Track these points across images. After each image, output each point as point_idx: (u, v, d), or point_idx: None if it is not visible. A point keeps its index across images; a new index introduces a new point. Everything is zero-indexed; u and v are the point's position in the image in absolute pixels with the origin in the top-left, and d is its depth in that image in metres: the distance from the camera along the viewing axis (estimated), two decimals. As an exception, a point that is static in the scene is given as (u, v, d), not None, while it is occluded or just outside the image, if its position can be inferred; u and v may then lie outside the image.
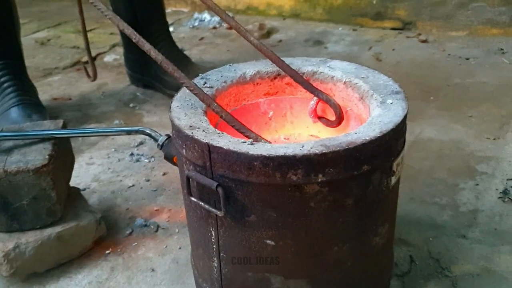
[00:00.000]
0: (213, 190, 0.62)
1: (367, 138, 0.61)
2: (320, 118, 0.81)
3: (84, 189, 1.13)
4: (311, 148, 0.59)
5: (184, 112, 0.70)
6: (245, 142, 0.62)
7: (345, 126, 0.79)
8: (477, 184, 1.08)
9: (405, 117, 0.67)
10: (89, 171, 1.21)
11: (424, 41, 1.89)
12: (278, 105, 0.85)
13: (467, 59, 1.73)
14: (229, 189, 0.62)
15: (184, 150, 0.66)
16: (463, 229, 0.96)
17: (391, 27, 2.03)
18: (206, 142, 0.62)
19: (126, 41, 1.59)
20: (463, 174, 1.12)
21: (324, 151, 0.59)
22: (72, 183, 1.03)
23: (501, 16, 1.87)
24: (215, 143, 0.61)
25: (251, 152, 0.59)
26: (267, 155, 0.59)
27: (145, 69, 1.57)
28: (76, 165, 1.09)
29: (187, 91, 0.76)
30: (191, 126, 0.66)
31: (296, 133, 0.87)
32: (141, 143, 1.29)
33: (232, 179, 0.61)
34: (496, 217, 0.98)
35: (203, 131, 0.65)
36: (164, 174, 1.17)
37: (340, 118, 0.78)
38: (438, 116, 1.37)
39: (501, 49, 1.78)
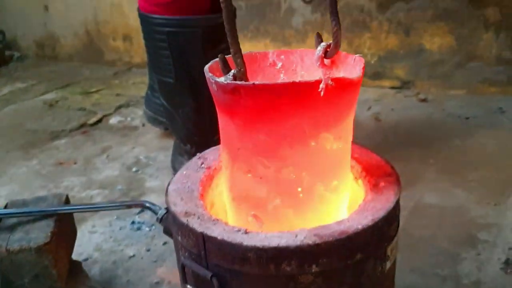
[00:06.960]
0: (208, 280, 0.63)
1: (359, 227, 0.62)
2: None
3: (87, 259, 1.13)
4: (304, 238, 0.60)
5: (180, 197, 0.72)
6: (239, 230, 0.63)
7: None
8: (479, 254, 1.07)
9: (398, 202, 0.68)
10: (91, 240, 1.21)
11: (423, 100, 1.92)
12: (288, 57, 0.77)
13: (467, 118, 1.74)
14: (224, 279, 0.63)
15: (179, 237, 0.67)
16: (465, 303, 0.95)
17: (389, 86, 2.07)
18: (201, 232, 0.63)
19: (156, 86, 1.51)
20: (465, 242, 1.11)
21: (317, 242, 0.60)
22: (75, 252, 1.03)
23: (499, 75, 1.90)
24: (209, 233, 0.62)
25: (245, 243, 0.60)
26: (261, 247, 0.60)
27: None
28: (79, 234, 1.10)
29: (184, 172, 0.79)
30: (186, 213, 0.67)
31: None
32: (142, 210, 1.30)
33: (227, 269, 0.62)
34: (499, 289, 0.97)
35: (198, 218, 0.66)
36: (164, 243, 1.18)
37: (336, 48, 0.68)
38: (438, 180, 1.37)
39: (500, 107, 1.80)
